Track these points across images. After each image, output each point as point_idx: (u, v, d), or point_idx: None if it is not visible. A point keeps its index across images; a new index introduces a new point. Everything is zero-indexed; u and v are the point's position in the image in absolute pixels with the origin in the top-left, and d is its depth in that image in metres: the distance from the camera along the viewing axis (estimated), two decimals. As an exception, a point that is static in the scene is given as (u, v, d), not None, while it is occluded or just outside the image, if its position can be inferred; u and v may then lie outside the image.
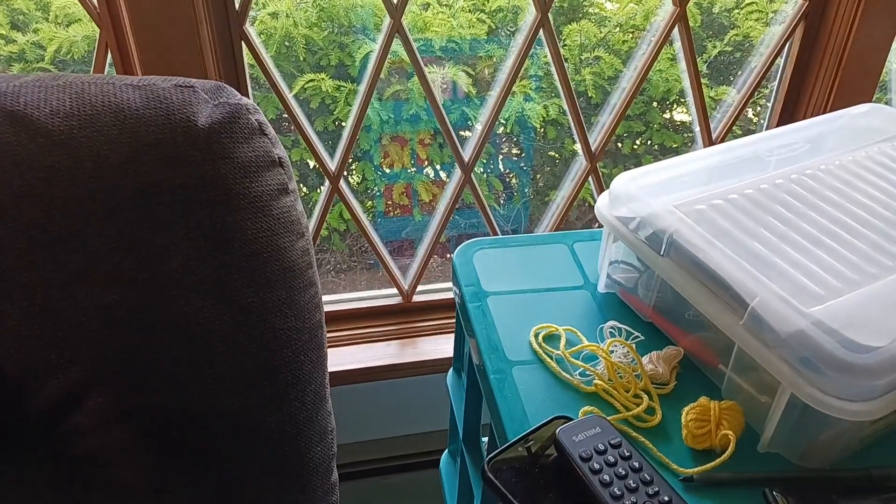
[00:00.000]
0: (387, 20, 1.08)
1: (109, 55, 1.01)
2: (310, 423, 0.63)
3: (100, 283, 0.52)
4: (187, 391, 0.55)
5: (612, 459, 0.46)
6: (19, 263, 0.51)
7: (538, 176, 2.00)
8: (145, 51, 0.96)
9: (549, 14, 1.10)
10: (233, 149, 0.57)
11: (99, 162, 0.53)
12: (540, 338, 0.58)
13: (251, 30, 1.05)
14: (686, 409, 0.53)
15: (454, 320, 1.31)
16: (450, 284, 1.36)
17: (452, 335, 1.29)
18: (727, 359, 0.55)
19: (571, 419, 0.48)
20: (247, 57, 1.06)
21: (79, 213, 0.52)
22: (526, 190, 1.95)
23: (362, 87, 1.11)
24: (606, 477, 0.45)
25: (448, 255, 1.81)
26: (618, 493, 0.44)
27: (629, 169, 0.64)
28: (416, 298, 1.32)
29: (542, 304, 0.62)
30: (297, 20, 1.80)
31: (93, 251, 0.52)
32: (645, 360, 0.57)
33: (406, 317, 1.32)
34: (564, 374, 0.55)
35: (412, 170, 1.89)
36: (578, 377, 0.56)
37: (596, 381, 0.55)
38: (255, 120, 0.60)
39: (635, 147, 2.01)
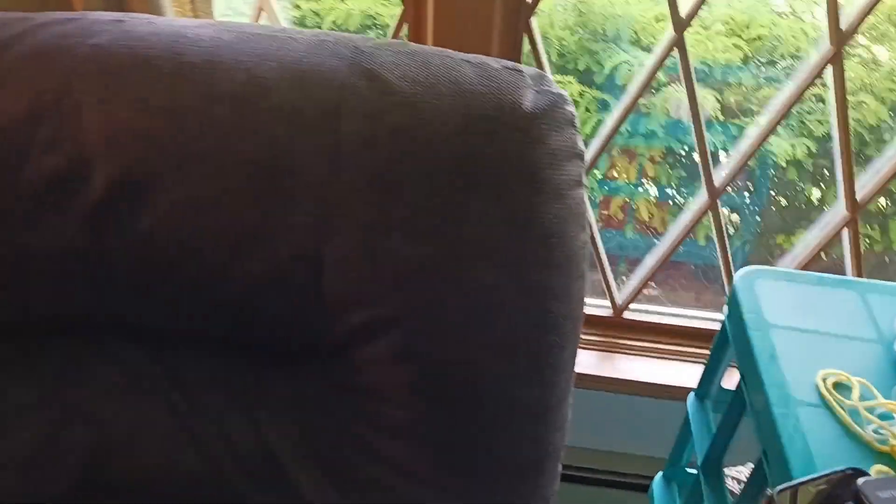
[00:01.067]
0: (667, 34, 1.08)
1: (405, 29, 1.09)
2: (557, 409, 0.65)
3: (415, 234, 0.57)
4: (466, 349, 0.59)
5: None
6: (357, 204, 0.57)
7: (766, 217, 1.89)
8: (441, 31, 1.02)
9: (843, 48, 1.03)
10: (548, 135, 0.60)
11: (435, 126, 0.57)
12: (829, 383, 0.56)
13: (535, 22, 1.09)
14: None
15: (658, 344, 1.29)
16: (661, 308, 1.34)
17: (657, 359, 1.26)
18: None
19: (867, 473, 0.45)
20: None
21: (411, 169, 0.57)
22: (751, 228, 1.85)
23: (625, 98, 1.11)
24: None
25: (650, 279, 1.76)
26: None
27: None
28: (627, 315, 1.31)
29: (829, 348, 0.59)
30: (553, 20, 1.83)
31: (414, 204, 0.57)
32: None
33: (614, 331, 1.31)
34: (856, 426, 0.53)
35: (635, 185, 1.86)
36: (871, 433, 0.53)
37: (892, 442, 0.51)
38: (569, 111, 0.63)
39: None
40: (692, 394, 0.76)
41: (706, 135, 1.13)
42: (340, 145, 0.58)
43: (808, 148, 1.79)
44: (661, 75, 1.14)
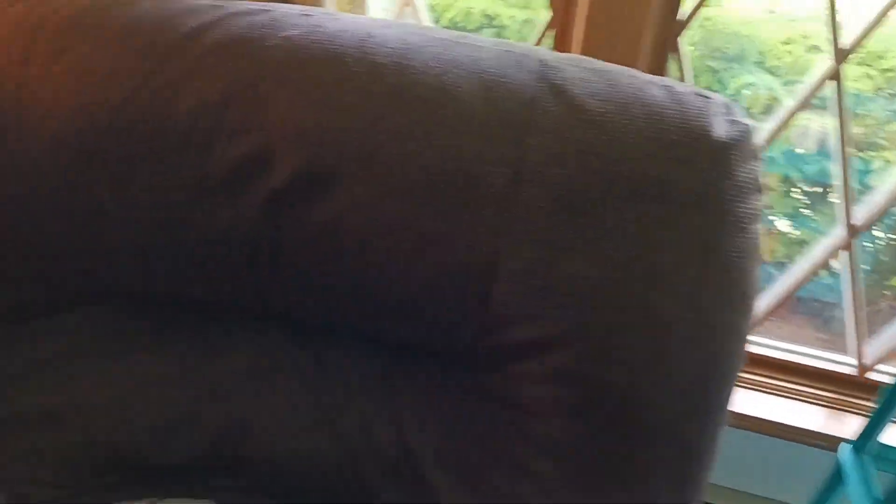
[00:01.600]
0: (824, 62, 1.04)
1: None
2: (711, 449, 0.63)
3: (600, 258, 0.56)
4: (636, 377, 0.58)
5: None
6: (539, 220, 0.56)
7: (881, 255, 1.79)
8: (590, 41, 1.01)
9: None
10: (736, 167, 0.58)
11: (626, 147, 0.56)
12: None
13: (683, 41, 1.06)
14: None
15: (772, 380, 1.24)
16: (777, 342, 1.29)
17: (773, 395, 1.22)
18: None
19: None
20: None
21: (600, 190, 0.56)
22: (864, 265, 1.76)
23: (771, 125, 1.07)
24: None
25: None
26: None
27: None
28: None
29: None
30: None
31: (602, 227, 0.56)
32: None
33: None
34: None
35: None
36: None
37: None
38: (755, 143, 0.61)
39: None
40: (847, 445, 0.73)
41: (826, 164, 1.09)
42: (526, 159, 0.57)
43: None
44: (787, 99, 1.10)
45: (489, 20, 2.01)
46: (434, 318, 0.63)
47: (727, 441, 1.14)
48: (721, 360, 0.60)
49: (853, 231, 1.10)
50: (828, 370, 1.16)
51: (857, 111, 1.86)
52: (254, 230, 0.64)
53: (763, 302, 1.21)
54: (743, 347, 0.62)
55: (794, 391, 1.17)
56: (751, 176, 0.60)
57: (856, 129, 1.98)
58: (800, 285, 1.16)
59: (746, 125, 0.60)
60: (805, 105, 1.03)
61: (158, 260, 0.67)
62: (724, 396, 0.62)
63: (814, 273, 1.15)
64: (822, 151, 1.74)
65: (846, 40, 0.98)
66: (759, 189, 0.61)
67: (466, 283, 0.59)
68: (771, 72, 1.81)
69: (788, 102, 1.11)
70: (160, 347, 0.76)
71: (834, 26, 0.98)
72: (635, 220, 0.56)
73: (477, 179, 0.58)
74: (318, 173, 0.60)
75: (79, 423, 0.74)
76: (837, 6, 0.99)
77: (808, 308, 1.44)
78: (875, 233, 1.90)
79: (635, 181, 0.56)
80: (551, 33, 1.05)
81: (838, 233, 1.12)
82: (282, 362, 0.76)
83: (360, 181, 0.59)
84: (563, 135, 0.57)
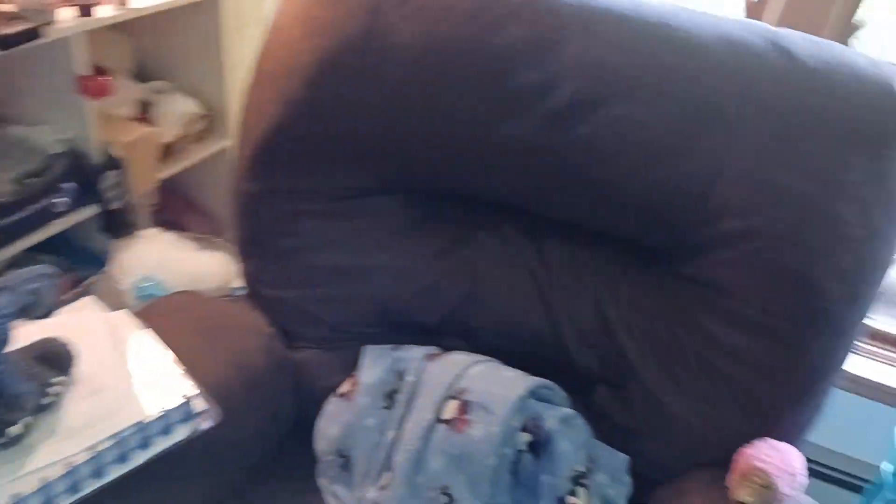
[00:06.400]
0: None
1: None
2: (854, 333, 0.82)
3: (802, 172, 0.77)
4: (814, 264, 0.78)
5: None
6: (760, 139, 0.78)
7: None
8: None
9: None
10: (914, 118, 0.77)
11: (835, 95, 0.77)
12: None
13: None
14: None
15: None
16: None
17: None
18: None
19: None
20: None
21: (810, 123, 0.77)
22: None
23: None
24: None
25: None
26: None
27: None
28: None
29: None
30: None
31: (808, 151, 0.77)
32: None
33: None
34: None
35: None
36: None
37: None
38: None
39: None
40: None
41: None
42: (754, 94, 0.78)
43: None
44: None
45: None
46: (658, 213, 0.84)
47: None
48: (877, 262, 0.79)
49: None
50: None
51: None
52: (538, 140, 0.86)
53: None
54: (893, 256, 0.80)
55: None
56: (921, 129, 0.78)
57: None
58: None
59: (921, 87, 0.79)
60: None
61: (459, 161, 0.91)
62: (873, 293, 0.81)
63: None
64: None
65: None
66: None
67: (692, 186, 0.81)
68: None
69: None
70: (425, 231, 0.99)
71: None
72: (837, 151, 0.76)
73: (713, 107, 0.79)
74: (590, 97, 0.83)
75: (363, 280, 0.99)
76: None
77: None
78: None
79: (839, 121, 0.76)
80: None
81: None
82: (510, 251, 0.98)
83: (620, 103, 0.82)
84: (786, 79, 0.78)
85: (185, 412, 0.75)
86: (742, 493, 0.79)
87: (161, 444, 0.73)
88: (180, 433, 0.74)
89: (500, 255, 0.99)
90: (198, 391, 0.76)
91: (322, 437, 0.95)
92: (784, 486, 0.79)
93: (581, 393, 0.96)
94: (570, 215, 0.93)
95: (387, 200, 0.98)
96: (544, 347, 0.97)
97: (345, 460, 0.94)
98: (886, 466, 1.01)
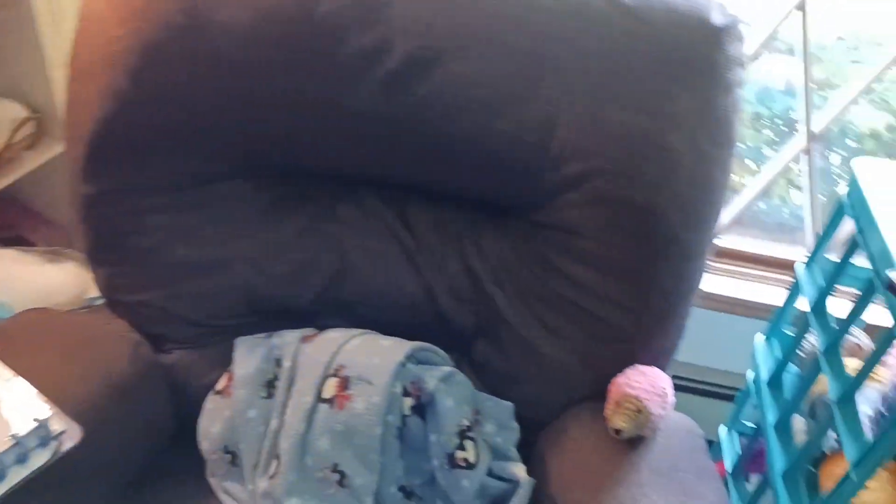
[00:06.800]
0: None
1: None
2: (703, 255, 0.88)
3: (631, 107, 0.80)
4: (653, 196, 0.82)
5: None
6: (590, 80, 0.80)
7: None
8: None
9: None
10: (727, 44, 0.82)
11: (652, 28, 0.80)
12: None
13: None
14: None
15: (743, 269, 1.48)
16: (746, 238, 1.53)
17: (742, 280, 1.46)
18: None
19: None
20: None
21: (632, 58, 0.80)
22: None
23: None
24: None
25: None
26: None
27: None
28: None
29: None
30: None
31: (633, 85, 0.80)
32: None
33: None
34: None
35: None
36: None
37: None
38: (741, 29, 0.84)
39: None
40: (800, 265, 0.97)
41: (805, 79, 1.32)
42: (581, 37, 0.80)
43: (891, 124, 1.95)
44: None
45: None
46: (507, 167, 0.86)
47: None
48: (713, 188, 0.84)
49: (812, 136, 1.35)
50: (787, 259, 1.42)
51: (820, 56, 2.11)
52: (376, 106, 0.85)
53: (737, 206, 1.45)
54: (727, 180, 0.86)
55: (756, 277, 1.43)
56: (737, 52, 0.83)
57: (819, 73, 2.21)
58: (767, 187, 1.41)
59: (734, 16, 0.83)
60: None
61: (304, 135, 0.89)
62: (714, 215, 0.86)
63: (776, 177, 1.40)
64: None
65: None
66: (742, 63, 0.84)
67: (533, 136, 0.82)
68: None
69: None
70: (283, 212, 0.97)
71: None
72: (658, 82, 0.79)
73: (546, 54, 0.81)
74: (424, 56, 0.82)
75: (225, 271, 0.95)
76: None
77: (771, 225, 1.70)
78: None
79: (659, 53, 0.80)
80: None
81: (800, 139, 1.37)
82: (378, 220, 0.98)
83: (455, 60, 0.82)
84: (608, 20, 0.80)
85: (41, 436, 0.70)
86: (617, 420, 0.84)
87: (19, 474, 0.68)
88: (39, 459, 0.70)
89: (363, 227, 0.98)
90: (53, 412, 0.72)
91: (205, 437, 0.92)
92: (655, 408, 0.84)
93: (463, 350, 0.98)
94: (425, 179, 0.93)
95: (238, 185, 0.94)
96: (422, 311, 0.98)
97: (232, 456, 0.91)
98: (749, 374, 1.09)
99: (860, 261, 0.88)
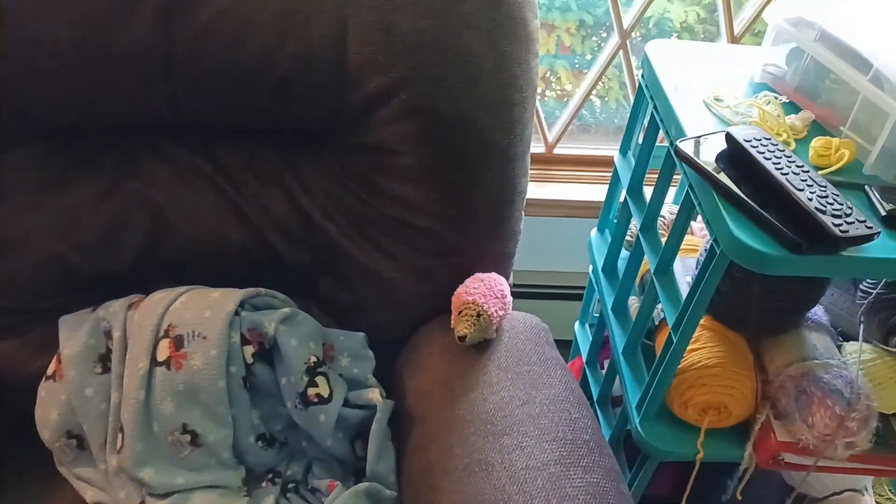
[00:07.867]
0: None
1: None
2: (522, 158, 0.89)
3: (419, 11, 0.78)
4: (458, 103, 0.81)
5: (774, 150, 0.68)
6: (372, 8, 0.77)
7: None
8: None
9: None
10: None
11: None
12: (711, 97, 0.82)
13: None
14: (814, 140, 0.75)
15: (582, 173, 1.54)
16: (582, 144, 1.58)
17: (583, 184, 1.52)
18: (846, 120, 0.76)
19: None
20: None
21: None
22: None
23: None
24: (772, 159, 0.67)
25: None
26: (783, 169, 0.66)
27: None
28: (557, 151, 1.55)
29: (714, 81, 0.85)
30: None
31: (433, 4, 0.78)
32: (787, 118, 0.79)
33: (547, 164, 1.55)
34: (726, 115, 0.79)
35: (553, 56, 2.09)
36: (731, 116, 0.79)
37: (752, 120, 0.78)
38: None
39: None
40: (617, 155, 1.02)
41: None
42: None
43: (698, 14, 2.05)
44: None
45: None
46: (307, 94, 0.83)
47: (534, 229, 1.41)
48: (517, 85, 0.84)
49: (623, 34, 1.40)
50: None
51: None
52: (152, 40, 0.79)
53: (568, 112, 1.49)
54: (533, 78, 0.87)
55: (594, 178, 1.50)
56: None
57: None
58: (592, 87, 1.46)
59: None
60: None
61: (80, 85, 0.82)
62: (526, 115, 0.87)
63: (601, 76, 1.45)
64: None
65: None
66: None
67: (325, 54, 0.80)
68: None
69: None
70: (89, 173, 0.90)
71: None
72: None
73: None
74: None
75: (25, 248, 0.88)
76: None
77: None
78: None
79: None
80: None
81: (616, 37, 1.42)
82: (189, 169, 0.92)
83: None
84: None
85: None
86: (460, 328, 0.85)
87: None
88: None
89: (173, 178, 0.92)
90: None
91: (45, 426, 0.86)
92: (494, 309, 0.86)
93: (308, 290, 0.96)
94: (227, 118, 0.88)
95: (23, 154, 0.87)
96: (255, 259, 0.95)
97: (78, 440, 0.86)
98: (590, 270, 1.14)
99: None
